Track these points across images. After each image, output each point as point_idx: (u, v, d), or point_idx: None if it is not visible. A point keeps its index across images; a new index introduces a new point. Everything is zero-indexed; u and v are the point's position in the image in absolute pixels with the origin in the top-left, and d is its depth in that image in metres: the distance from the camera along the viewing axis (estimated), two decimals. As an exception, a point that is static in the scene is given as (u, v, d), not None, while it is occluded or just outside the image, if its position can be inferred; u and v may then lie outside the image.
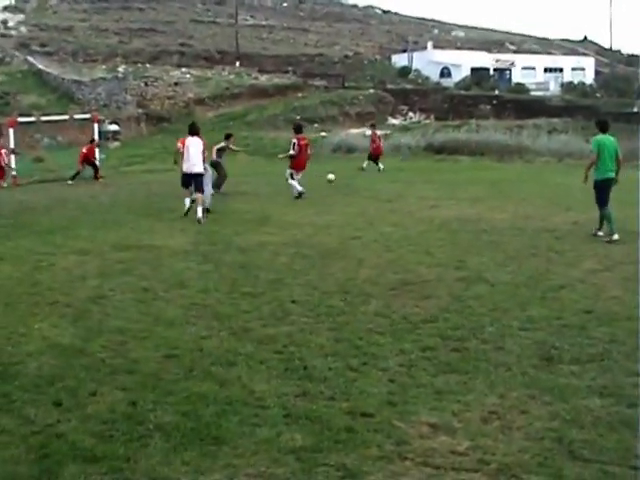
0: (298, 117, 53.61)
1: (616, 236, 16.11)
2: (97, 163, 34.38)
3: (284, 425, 7.01)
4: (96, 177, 33.71)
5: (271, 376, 8.27)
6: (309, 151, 25.46)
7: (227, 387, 7.98)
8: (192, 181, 20.92)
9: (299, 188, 24.24)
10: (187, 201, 21.00)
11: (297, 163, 24.83)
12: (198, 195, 20.60)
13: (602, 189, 16.76)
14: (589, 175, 16.96)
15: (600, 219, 16.89)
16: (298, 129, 26.08)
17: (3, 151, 30.50)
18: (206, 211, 20.74)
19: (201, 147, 21.27)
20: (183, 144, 21.39)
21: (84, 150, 33.72)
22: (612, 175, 16.84)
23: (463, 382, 8.01)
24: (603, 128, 17.13)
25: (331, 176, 27.84)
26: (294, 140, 25.03)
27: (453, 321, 10.28)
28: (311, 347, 9.26)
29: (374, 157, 36.01)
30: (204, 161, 21.53)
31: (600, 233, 16.80)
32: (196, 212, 20.01)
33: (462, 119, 56.78)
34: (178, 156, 21.88)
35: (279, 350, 9.18)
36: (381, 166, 35.30)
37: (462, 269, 13.56)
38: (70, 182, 32.23)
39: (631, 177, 18.58)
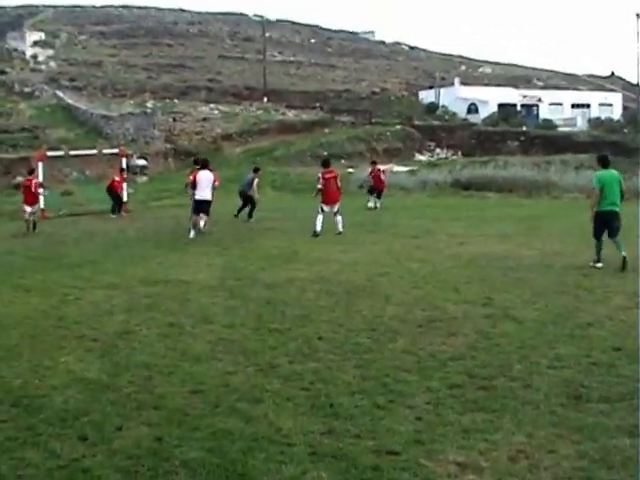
0: (325, 153, 53.80)
1: (599, 264, 17.31)
2: (124, 197, 34.60)
3: (310, 463, 6.97)
4: (120, 210, 33.93)
5: (297, 413, 8.25)
6: (338, 183, 25.50)
7: (253, 424, 7.95)
8: (203, 207, 24.59)
9: (318, 228, 24.23)
10: (192, 233, 24.30)
11: (325, 196, 25.00)
12: (204, 216, 24.59)
13: (600, 222, 17.47)
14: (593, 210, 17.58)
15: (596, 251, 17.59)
16: (324, 163, 26.40)
17: (35, 181, 30.68)
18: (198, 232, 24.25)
19: (211, 178, 25.00)
20: (194, 177, 25.12)
21: (116, 178, 34.09)
22: (615, 209, 17.39)
23: (490, 420, 7.94)
24: (604, 164, 17.85)
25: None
26: (319, 174, 25.49)
27: (480, 359, 10.22)
28: (338, 384, 9.22)
29: (378, 192, 36.14)
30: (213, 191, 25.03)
31: (599, 265, 17.36)
32: (200, 225, 24.36)
33: (489, 155, 56.83)
34: (188, 187, 26.25)
35: (305, 387, 9.15)
36: (371, 205, 35.75)
37: (489, 306, 13.48)
38: (113, 216, 32.72)
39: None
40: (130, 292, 15.42)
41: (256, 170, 30.55)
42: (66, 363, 10.40)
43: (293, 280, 16.21)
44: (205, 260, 19.34)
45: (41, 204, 32.18)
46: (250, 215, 29.30)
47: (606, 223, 17.43)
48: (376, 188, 36.04)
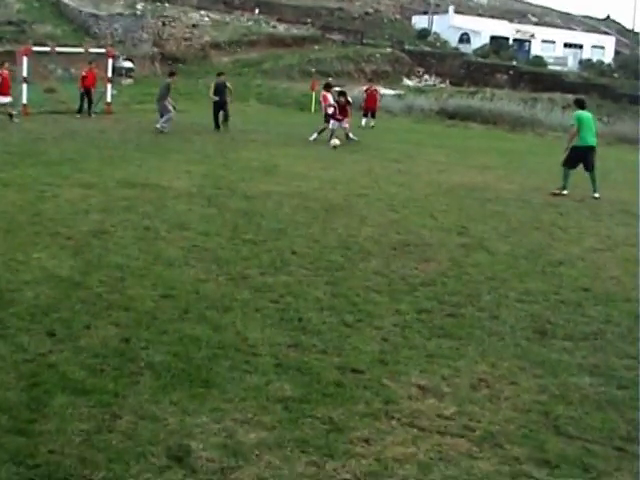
0: (313, 69, 53.39)
1: (565, 192, 18.87)
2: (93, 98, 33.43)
3: (274, 374, 7.04)
4: (87, 109, 33.01)
5: (265, 325, 8.30)
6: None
7: (220, 332, 8.00)
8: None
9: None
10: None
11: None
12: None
13: (576, 155, 19.10)
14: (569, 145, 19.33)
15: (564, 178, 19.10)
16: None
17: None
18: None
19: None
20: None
21: (83, 73, 32.77)
22: (593, 143, 19.37)
23: (455, 348, 8.03)
24: (582, 105, 19.71)
25: (336, 141, 27.13)
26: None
27: (451, 286, 10.30)
28: (307, 299, 9.29)
29: (372, 112, 35.93)
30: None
31: (565, 192, 18.78)
32: None
33: (477, 86, 56.58)
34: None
35: (275, 299, 9.20)
36: (364, 124, 35.26)
37: (464, 235, 13.56)
38: (78, 115, 32.08)
39: (634, 159, 19.12)
40: (107, 193, 15.35)
41: (171, 74, 30.07)
42: (39, 259, 10.38)
43: (271, 193, 16.20)
44: (185, 167, 19.24)
45: (24, 99, 31.80)
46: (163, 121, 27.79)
47: (583, 157, 18.98)
48: (369, 108, 35.79)
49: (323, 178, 18.82)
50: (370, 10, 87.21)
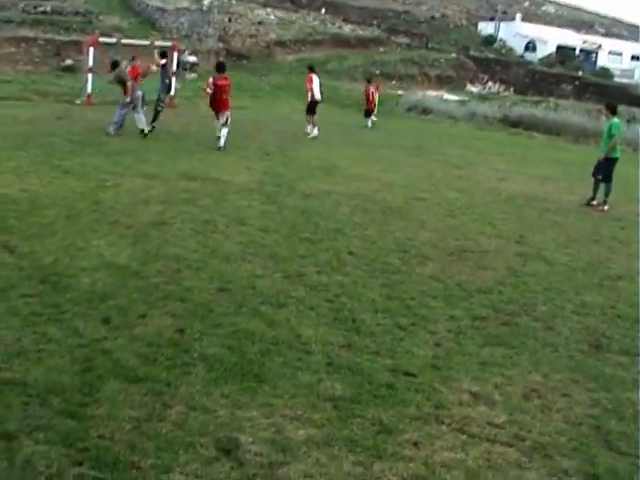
0: (377, 71, 53.31)
1: (607, 207, 18.42)
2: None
3: (326, 373, 7.06)
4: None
5: (319, 323, 8.33)
6: (229, 92, 22.63)
7: (274, 328, 8.04)
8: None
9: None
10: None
11: (213, 103, 22.68)
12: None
13: (614, 166, 18.79)
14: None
15: (606, 192, 18.64)
16: (219, 68, 23.20)
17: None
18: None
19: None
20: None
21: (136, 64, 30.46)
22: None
23: (509, 356, 7.99)
24: (614, 111, 19.07)
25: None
26: (210, 79, 22.91)
27: (507, 295, 10.24)
28: (362, 300, 9.29)
29: (368, 111, 34.66)
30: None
31: (594, 202, 18.64)
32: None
33: (542, 95, 56.03)
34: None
35: (330, 299, 9.22)
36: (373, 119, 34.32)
37: (522, 245, 13.46)
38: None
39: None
40: (168, 184, 15.47)
41: (163, 55, 26.12)
42: (97, 247, 10.51)
43: (330, 193, 16.21)
44: (246, 163, 19.34)
45: (88, 89, 32.05)
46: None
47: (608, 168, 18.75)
48: (367, 108, 34.85)
49: (382, 180, 18.78)
50: (437, 14, 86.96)
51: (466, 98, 50.53)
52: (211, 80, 22.40)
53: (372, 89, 34.75)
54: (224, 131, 21.82)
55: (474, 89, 61.55)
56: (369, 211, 14.85)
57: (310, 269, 10.43)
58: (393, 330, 8.37)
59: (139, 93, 23.10)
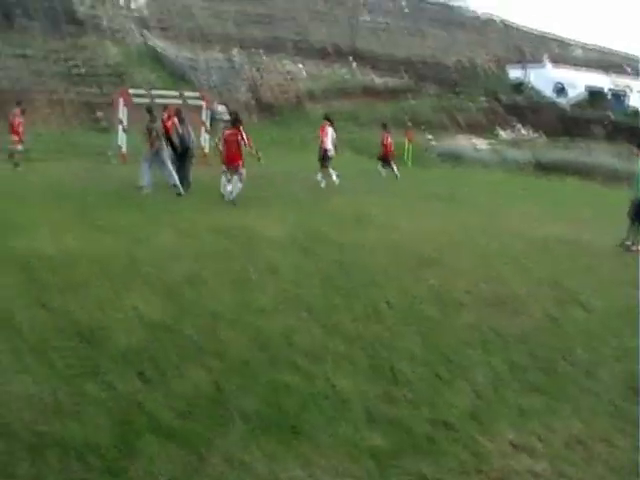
0: (407, 120, 53.43)
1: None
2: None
3: (364, 425, 7.01)
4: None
5: (356, 374, 8.27)
6: (239, 145, 21.83)
7: (311, 380, 8.00)
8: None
9: (222, 190, 22.14)
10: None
11: (222, 157, 22.41)
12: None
13: None
14: None
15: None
16: (234, 122, 22.86)
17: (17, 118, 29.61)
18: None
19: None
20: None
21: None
22: None
23: (548, 404, 7.90)
24: None
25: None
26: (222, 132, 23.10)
27: (544, 341, 10.14)
28: (399, 350, 9.23)
29: (385, 159, 34.38)
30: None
31: (628, 243, 18.69)
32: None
33: (573, 138, 55.96)
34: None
35: (367, 350, 9.16)
36: (385, 170, 33.85)
37: (557, 289, 13.35)
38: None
39: None
40: (200, 239, 15.50)
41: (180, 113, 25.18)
42: (132, 302, 10.51)
43: (363, 242, 16.17)
44: (277, 215, 19.36)
45: (122, 146, 32.31)
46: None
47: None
48: (383, 155, 34.69)
49: (415, 228, 18.73)
50: (465, 61, 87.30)
51: (497, 143, 50.53)
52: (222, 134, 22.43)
53: (387, 135, 34.83)
54: (238, 185, 21.51)
55: (505, 134, 61.54)
56: (403, 260, 14.81)
57: (346, 320, 10.38)
58: (431, 380, 8.31)
59: (165, 147, 23.22)
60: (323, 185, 27.13)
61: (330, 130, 28.82)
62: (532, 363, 9.17)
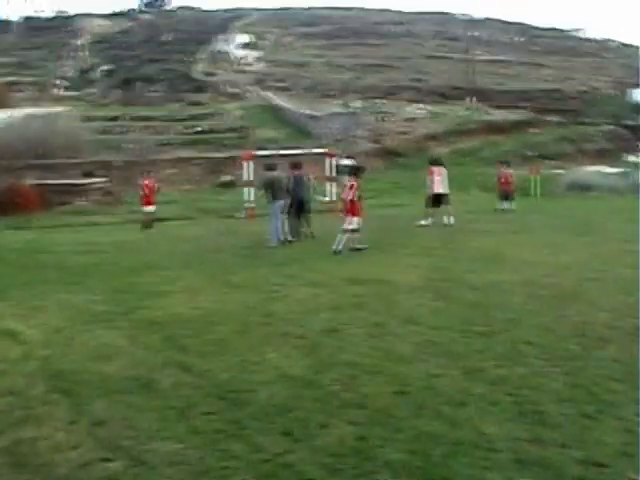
0: (531, 153, 52.92)
1: None
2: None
3: (514, 470, 6.89)
4: None
5: (502, 418, 8.15)
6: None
7: (457, 427, 7.91)
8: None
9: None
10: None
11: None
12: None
13: None
14: None
15: None
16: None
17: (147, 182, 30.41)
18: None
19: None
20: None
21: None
22: None
23: None
24: None
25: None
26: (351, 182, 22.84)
27: (695, 371, 9.83)
28: (545, 391, 9.06)
29: (506, 196, 34.67)
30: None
31: None
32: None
33: None
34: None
35: (511, 392, 9.02)
36: (506, 206, 34.01)
37: None
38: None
39: None
40: (335, 290, 15.61)
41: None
42: (272, 359, 10.62)
43: (499, 283, 16.01)
44: (410, 260, 19.34)
45: (250, 203, 32.97)
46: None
47: None
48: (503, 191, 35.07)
49: (551, 264, 18.44)
50: (586, 88, 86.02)
51: (626, 169, 49.53)
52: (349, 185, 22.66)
53: (504, 171, 34.95)
54: (342, 236, 21.66)
55: (633, 158, 60.26)
56: (542, 297, 14.57)
57: (488, 363, 10.26)
58: (579, 419, 8.12)
59: (281, 201, 23.62)
60: (453, 221, 27.03)
61: (437, 172, 29.58)
62: (684, 395, 8.89)
